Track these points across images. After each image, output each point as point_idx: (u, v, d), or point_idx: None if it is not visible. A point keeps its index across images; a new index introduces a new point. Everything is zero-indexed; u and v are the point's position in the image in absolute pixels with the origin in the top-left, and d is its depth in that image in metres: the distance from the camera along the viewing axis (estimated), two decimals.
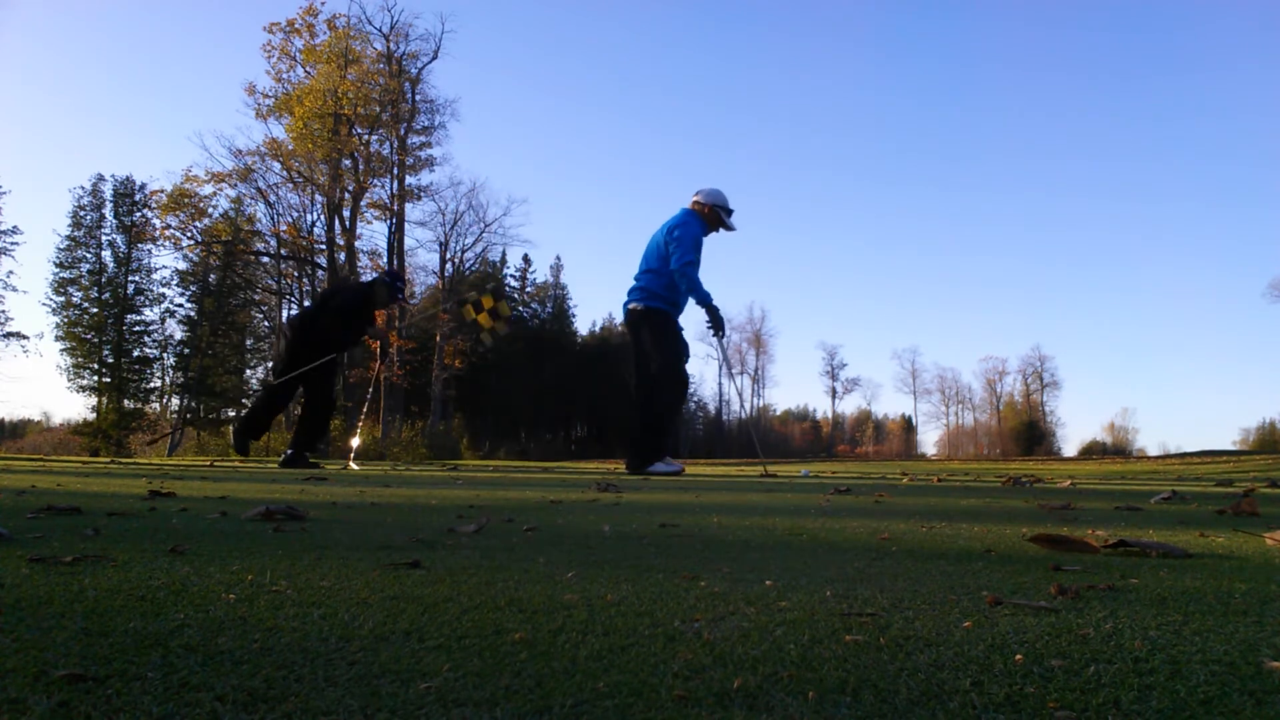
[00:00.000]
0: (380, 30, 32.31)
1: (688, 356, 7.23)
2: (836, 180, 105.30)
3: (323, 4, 34.09)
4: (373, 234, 61.88)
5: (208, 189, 31.25)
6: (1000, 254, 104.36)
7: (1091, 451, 71.29)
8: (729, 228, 7.32)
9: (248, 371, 45.32)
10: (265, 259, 36.85)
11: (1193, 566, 1.37)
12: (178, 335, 41.56)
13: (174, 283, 40.35)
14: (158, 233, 32.71)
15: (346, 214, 32.43)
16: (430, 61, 33.41)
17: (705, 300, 6.88)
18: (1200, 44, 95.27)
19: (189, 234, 32.30)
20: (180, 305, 41.40)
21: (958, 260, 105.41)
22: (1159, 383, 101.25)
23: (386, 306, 8.38)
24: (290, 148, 31.24)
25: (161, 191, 32.09)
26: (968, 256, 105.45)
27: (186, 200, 31.06)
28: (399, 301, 8.38)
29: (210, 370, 40.79)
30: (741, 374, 71.24)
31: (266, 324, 43.65)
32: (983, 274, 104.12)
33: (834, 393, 77.54)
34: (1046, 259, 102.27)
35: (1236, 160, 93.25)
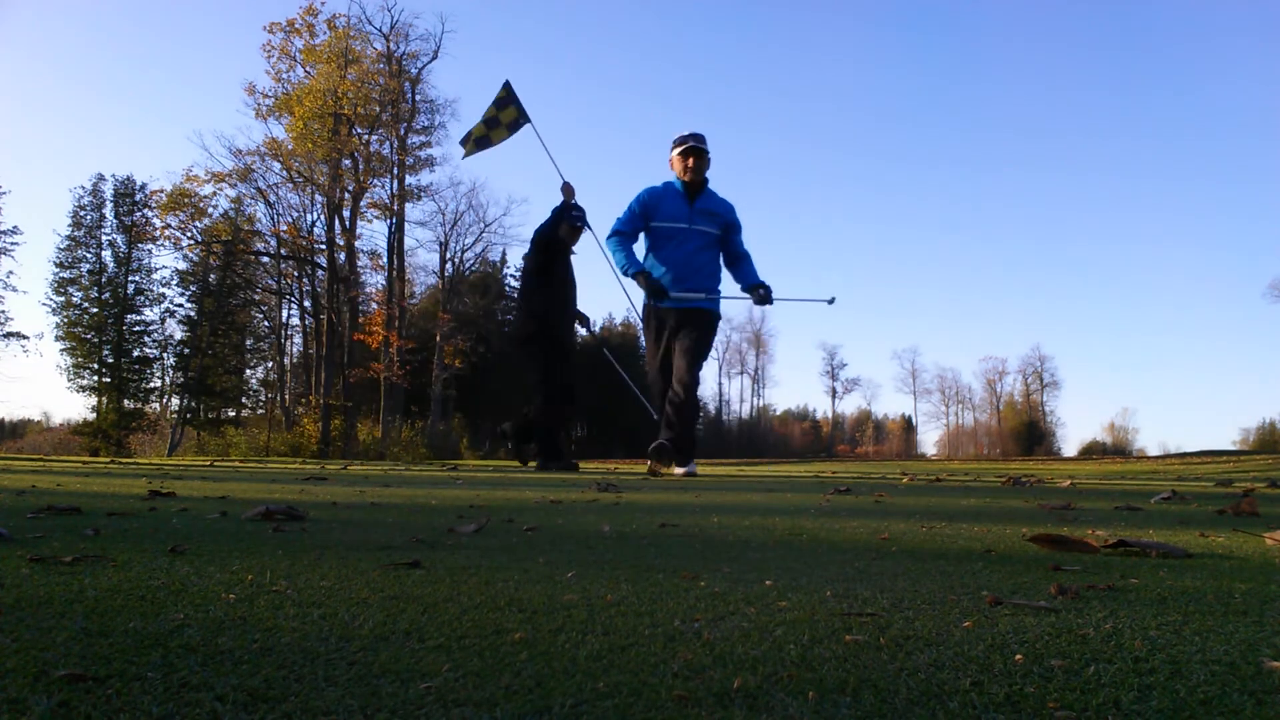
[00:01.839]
0: (380, 30, 32.31)
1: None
2: (835, 179, 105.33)
3: (323, 4, 34.00)
4: (373, 234, 61.83)
5: (208, 189, 31.29)
6: (1000, 254, 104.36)
7: (1091, 451, 71.23)
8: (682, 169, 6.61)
9: (248, 371, 45.34)
10: (265, 259, 36.87)
11: (1193, 566, 1.37)
12: (178, 335, 41.56)
13: (174, 283, 40.33)
14: (158, 232, 32.75)
15: (346, 214, 32.41)
16: (430, 61, 33.41)
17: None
18: (1202, 45, 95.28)
19: (189, 234, 32.33)
20: (180, 305, 41.42)
21: (958, 260, 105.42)
22: (1159, 383, 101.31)
23: (575, 241, 7.75)
24: (290, 148, 31.22)
25: (161, 191, 32.12)
26: (968, 256, 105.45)
27: (186, 200, 31.09)
28: (584, 229, 7.72)
29: (210, 370, 40.75)
30: (741, 374, 71.21)
31: (266, 324, 43.67)
32: (983, 274, 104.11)
33: (834, 393, 77.40)
34: (1047, 259, 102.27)
35: (1237, 160, 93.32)
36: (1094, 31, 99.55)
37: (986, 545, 1.66)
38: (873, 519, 2.33)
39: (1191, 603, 1.00)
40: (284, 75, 31.91)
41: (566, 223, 7.62)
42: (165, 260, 56.81)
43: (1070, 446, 77.62)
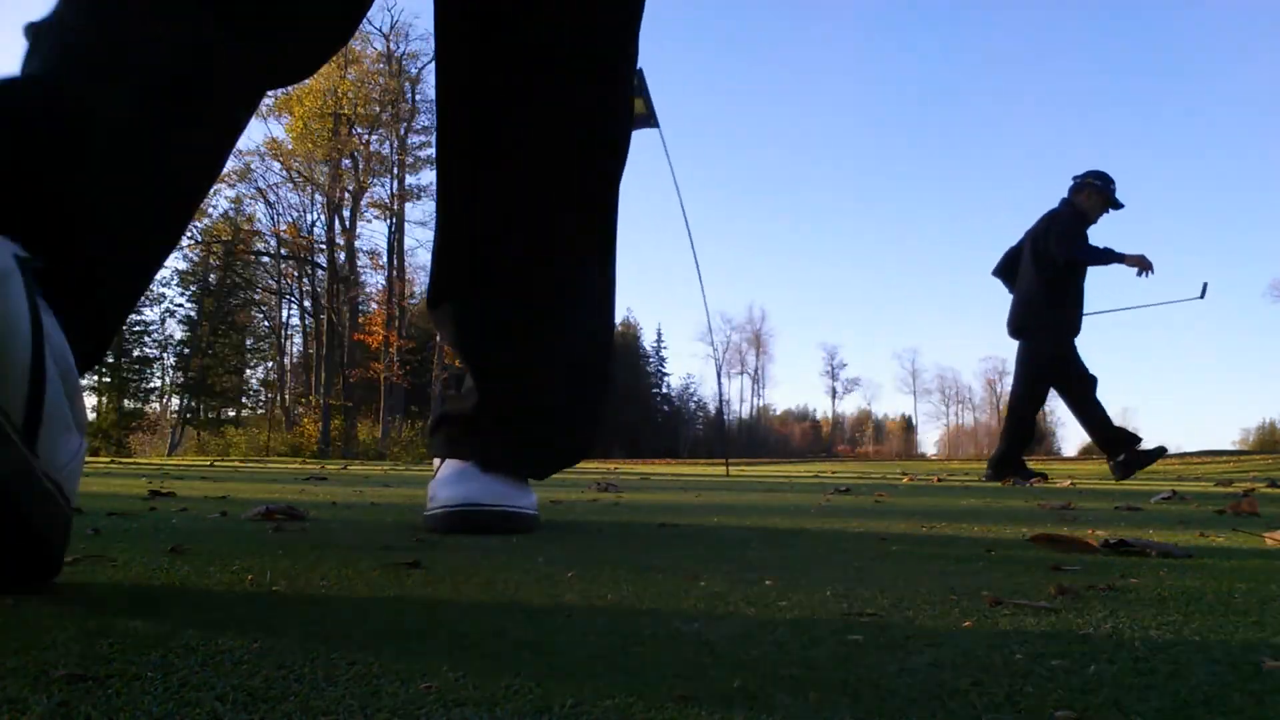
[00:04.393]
0: (380, 30, 32.34)
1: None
2: (836, 179, 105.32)
3: None
4: (373, 233, 61.84)
5: None
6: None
7: (1091, 451, 71.23)
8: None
9: (248, 371, 45.40)
10: (265, 259, 36.92)
11: (1193, 566, 1.37)
12: (178, 335, 41.66)
13: (174, 283, 40.39)
14: None
15: (346, 213, 32.47)
16: (430, 61, 33.40)
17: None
18: (1203, 43, 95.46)
19: (189, 234, 32.36)
20: (180, 305, 41.49)
21: (958, 261, 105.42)
22: (1159, 383, 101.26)
23: (1098, 217, 7.03)
24: (290, 147, 31.28)
25: None
26: (969, 257, 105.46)
27: None
28: (1116, 206, 7.02)
29: (210, 370, 40.81)
30: (742, 374, 71.26)
31: (266, 324, 43.74)
32: (984, 274, 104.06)
33: (834, 393, 77.45)
34: None
35: (1237, 159, 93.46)
36: (1095, 29, 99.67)
37: (986, 545, 1.66)
38: (873, 519, 2.33)
39: (1192, 603, 1.00)
40: None
41: (1106, 198, 7.01)
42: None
43: (1070, 446, 77.63)
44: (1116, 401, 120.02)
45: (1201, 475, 11.95)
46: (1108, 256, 6.96)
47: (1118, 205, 7.06)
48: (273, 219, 33.99)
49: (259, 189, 32.40)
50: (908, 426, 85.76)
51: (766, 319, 73.91)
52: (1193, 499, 3.52)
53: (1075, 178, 7.12)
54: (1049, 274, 6.98)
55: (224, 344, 41.99)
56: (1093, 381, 6.96)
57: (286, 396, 39.97)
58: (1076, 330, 7.08)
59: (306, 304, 36.25)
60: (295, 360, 42.10)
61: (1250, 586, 1.16)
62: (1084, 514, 2.57)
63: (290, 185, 32.41)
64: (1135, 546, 1.54)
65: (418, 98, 32.94)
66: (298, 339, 41.37)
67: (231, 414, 42.66)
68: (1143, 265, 6.91)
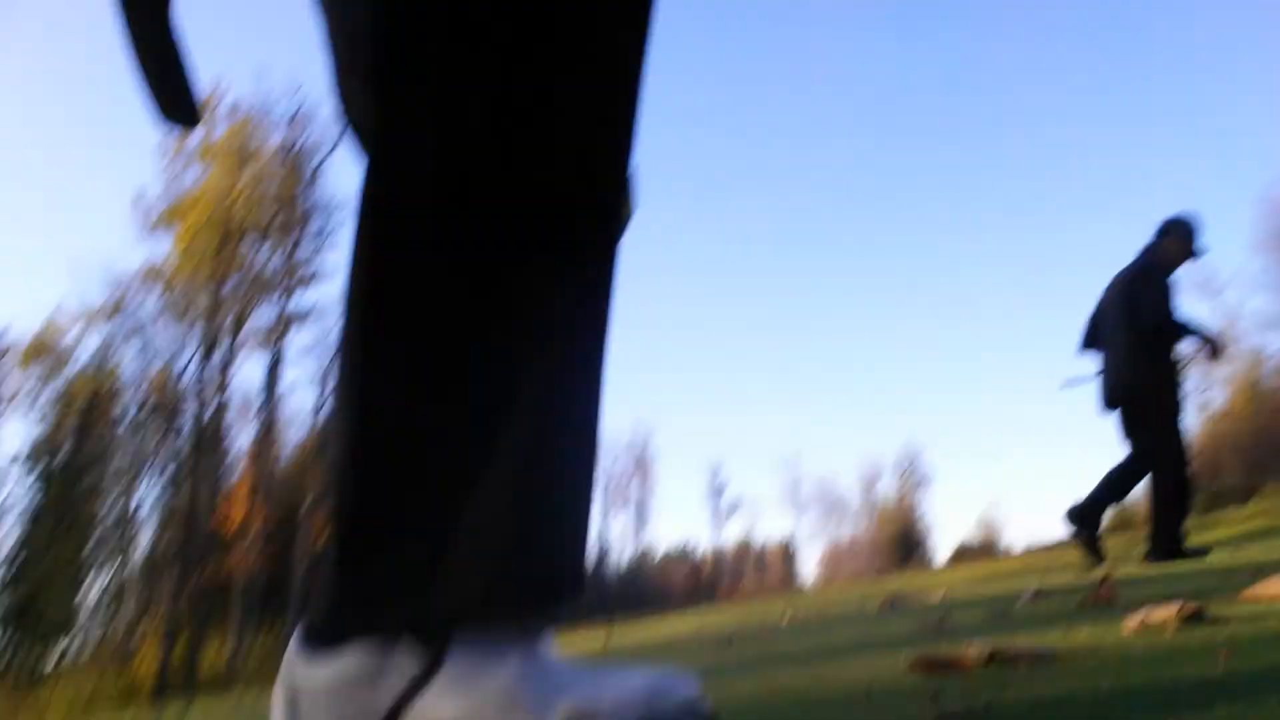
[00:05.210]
0: (282, 120, 28.26)
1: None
2: (712, 276, 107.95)
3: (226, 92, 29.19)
4: (247, 377, 55.23)
5: (73, 335, 27.53)
6: (871, 345, 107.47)
7: (963, 555, 73.39)
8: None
9: (85, 583, 39.77)
10: (126, 420, 32.82)
11: (1060, 671, 1.40)
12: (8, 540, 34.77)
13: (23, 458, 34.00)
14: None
15: (226, 347, 28.54)
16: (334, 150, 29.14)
17: None
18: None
19: (45, 392, 28.42)
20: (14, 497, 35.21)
21: (835, 356, 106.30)
22: (1028, 465, 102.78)
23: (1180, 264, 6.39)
24: (172, 266, 27.38)
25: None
26: (844, 351, 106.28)
27: (47, 350, 27.56)
28: (1196, 257, 6.39)
29: (43, 588, 34.49)
30: (625, 506, 69.86)
31: (112, 517, 39.58)
32: (859, 366, 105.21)
33: (717, 517, 77.28)
34: (916, 339, 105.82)
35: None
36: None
37: (867, 682, 1.65)
38: (755, 672, 2.30)
39: (1063, 707, 1.02)
40: (176, 179, 27.84)
41: (1190, 249, 6.41)
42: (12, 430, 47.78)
43: (945, 548, 79.61)
44: (987, 490, 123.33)
45: (1066, 565, 12.47)
46: (1190, 331, 6.30)
47: (1198, 255, 6.47)
48: (144, 362, 30.18)
49: (132, 327, 28.68)
50: (785, 556, 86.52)
51: (650, 440, 72.41)
52: (1056, 594, 3.65)
53: (1166, 222, 6.53)
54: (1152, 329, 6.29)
55: (65, 548, 36.81)
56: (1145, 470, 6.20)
57: (122, 626, 35.14)
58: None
59: (170, 468, 32.63)
60: (138, 564, 38.56)
61: (1113, 684, 1.20)
62: (959, 626, 2.62)
63: (168, 315, 28.36)
64: (1007, 655, 1.58)
65: (314, 198, 29.16)
66: (146, 533, 37.84)
67: (58, 656, 36.35)
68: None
